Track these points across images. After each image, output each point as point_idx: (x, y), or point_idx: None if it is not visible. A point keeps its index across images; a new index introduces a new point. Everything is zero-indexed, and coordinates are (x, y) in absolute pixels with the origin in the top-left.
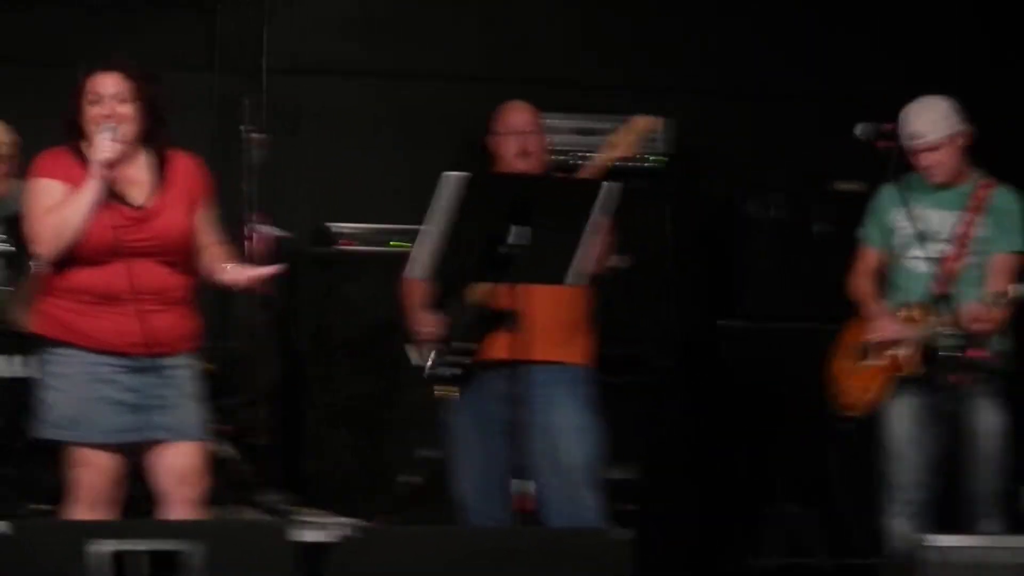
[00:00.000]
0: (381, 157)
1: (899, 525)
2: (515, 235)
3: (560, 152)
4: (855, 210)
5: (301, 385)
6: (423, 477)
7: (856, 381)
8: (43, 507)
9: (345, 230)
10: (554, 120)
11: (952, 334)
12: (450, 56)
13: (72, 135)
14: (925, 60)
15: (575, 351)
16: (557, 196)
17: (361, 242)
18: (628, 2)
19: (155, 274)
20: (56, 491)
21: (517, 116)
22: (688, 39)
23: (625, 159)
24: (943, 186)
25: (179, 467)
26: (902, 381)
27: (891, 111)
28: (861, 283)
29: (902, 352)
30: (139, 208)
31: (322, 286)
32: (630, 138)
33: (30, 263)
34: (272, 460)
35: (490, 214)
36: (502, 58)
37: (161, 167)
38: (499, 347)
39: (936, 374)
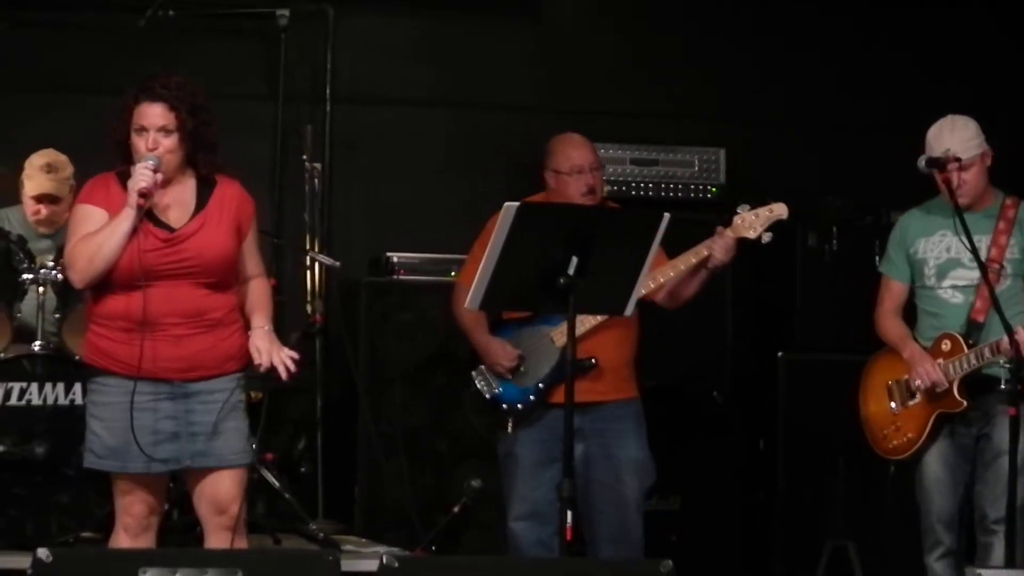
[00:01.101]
0: (440, 186)
1: (938, 567)
2: (574, 266)
3: (615, 183)
4: None
5: (355, 414)
6: (472, 506)
7: (893, 426)
8: (93, 535)
9: (402, 259)
10: (608, 151)
11: (1007, 362)
12: (507, 86)
13: (119, 158)
14: (979, 89)
15: (634, 386)
16: (616, 227)
17: (418, 272)
18: (680, 32)
19: (191, 296)
20: (108, 518)
21: (581, 154)
22: (744, 68)
23: (747, 240)
24: (968, 209)
25: (214, 495)
26: (941, 420)
27: None
28: (891, 322)
29: (949, 392)
30: (173, 231)
31: (378, 315)
32: (761, 220)
33: (82, 291)
34: (322, 488)
35: (549, 244)
36: (558, 88)
37: (204, 191)
38: (575, 391)
39: (981, 405)
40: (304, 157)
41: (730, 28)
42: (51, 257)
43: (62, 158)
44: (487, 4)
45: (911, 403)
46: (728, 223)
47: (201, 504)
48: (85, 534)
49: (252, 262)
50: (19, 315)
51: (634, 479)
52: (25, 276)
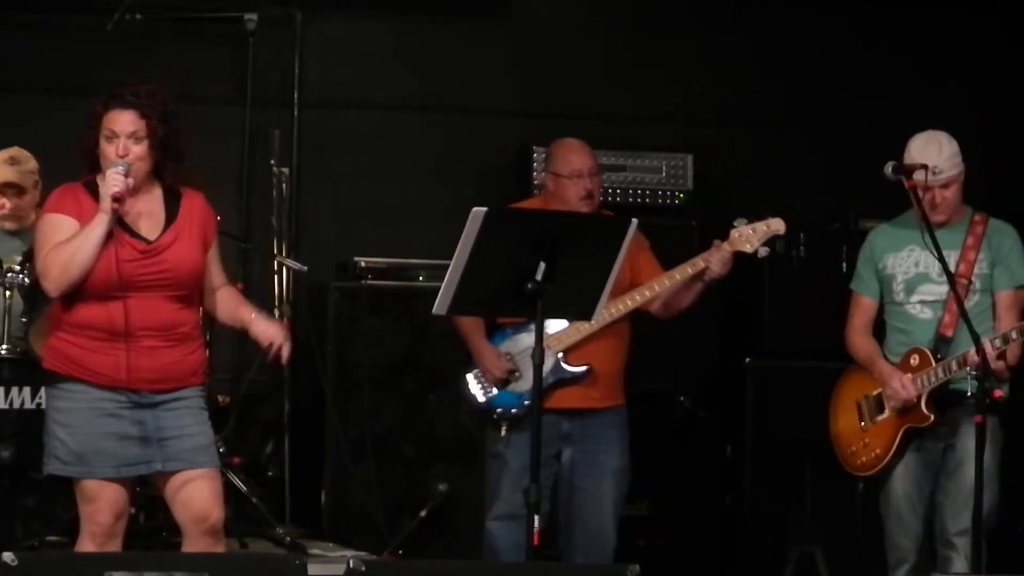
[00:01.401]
0: (409, 191)
1: None
2: (542, 272)
3: None
4: None
5: (323, 418)
6: (440, 510)
7: (863, 441)
8: (59, 539)
9: (371, 264)
10: None
11: (975, 375)
12: (477, 90)
13: (87, 166)
14: (944, 93)
15: (623, 394)
16: (584, 233)
17: (386, 276)
18: (649, 37)
19: (163, 310)
20: (74, 522)
21: (581, 159)
22: (711, 72)
23: (744, 254)
24: (938, 225)
25: (192, 503)
26: (909, 434)
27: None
28: (861, 340)
29: (918, 406)
30: (149, 242)
31: (347, 319)
32: (758, 235)
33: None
34: (288, 492)
35: (517, 250)
36: (530, 93)
37: (172, 203)
38: (567, 396)
39: (949, 419)
40: (272, 162)
41: (699, 33)
42: (18, 260)
43: (25, 153)
44: (457, 7)
45: (879, 418)
46: (725, 236)
47: (181, 512)
48: (51, 538)
49: (218, 273)
50: None
51: (615, 488)
52: None
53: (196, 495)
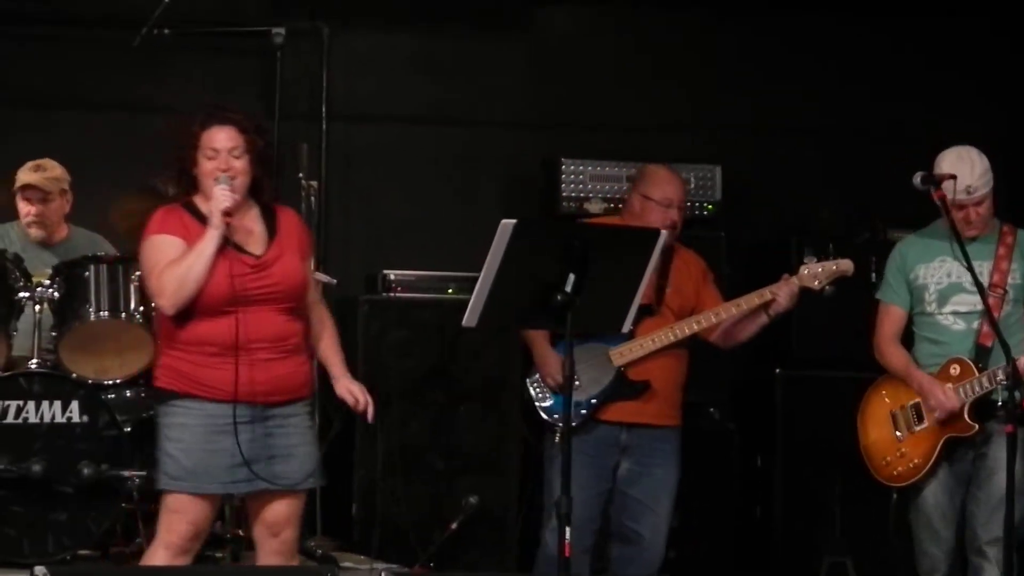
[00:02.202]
0: (436, 203)
1: None
2: (571, 283)
3: (611, 200)
4: None
5: (353, 431)
6: (470, 523)
7: (899, 452)
8: (91, 552)
9: (399, 277)
10: (604, 168)
11: (1006, 385)
12: (502, 103)
13: (183, 187)
14: (968, 102)
15: (680, 414)
16: (613, 244)
17: (415, 289)
18: (676, 49)
19: (274, 322)
20: (105, 536)
21: (675, 190)
22: (740, 85)
23: (810, 291)
24: (970, 237)
25: (274, 517)
26: (949, 444)
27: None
28: (893, 349)
29: (960, 417)
30: (257, 257)
31: (376, 332)
32: (824, 274)
33: (79, 309)
34: (319, 505)
35: (546, 261)
36: (553, 105)
37: (270, 219)
38: (623, 410)
39: (990, 429)
40: (300, 175)
41: (723, 44)
42: (48, 275)
43: (52, 162)
44: (480, 22)
45: (918, 429)
46: (794, 271)
47: (259, 527)
48: (82, 552)
49: (312, 287)
50: (15, 333)
51: (669, 503)
52: (21, 294)
53: (278, 511)
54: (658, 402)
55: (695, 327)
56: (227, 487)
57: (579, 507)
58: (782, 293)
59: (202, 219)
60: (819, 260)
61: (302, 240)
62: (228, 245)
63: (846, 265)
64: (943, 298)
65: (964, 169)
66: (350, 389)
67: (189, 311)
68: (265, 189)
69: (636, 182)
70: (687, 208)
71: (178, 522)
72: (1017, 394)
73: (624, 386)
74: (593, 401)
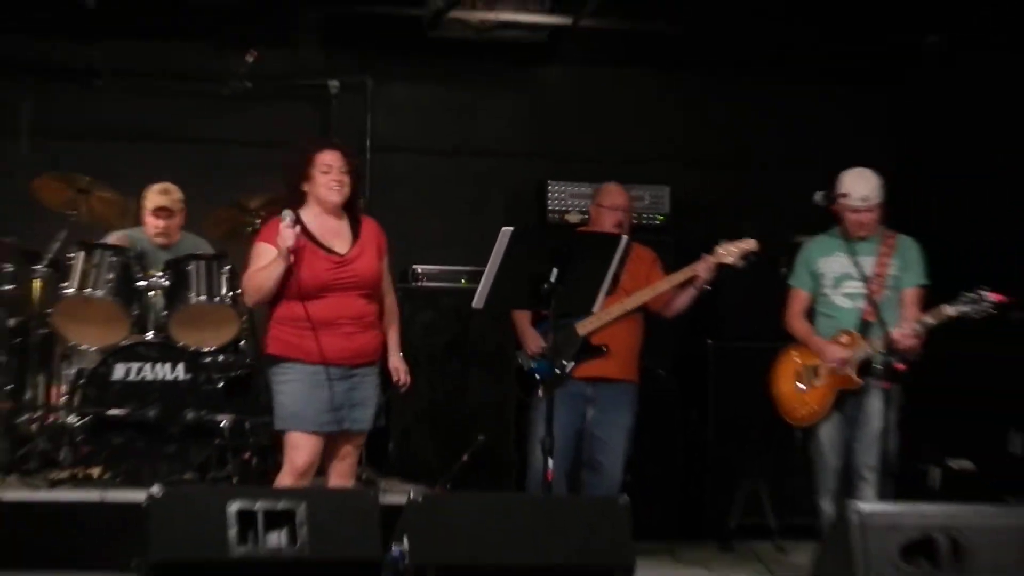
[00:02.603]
0: (453, 214)
1: (824, 505)
2: (555, 276)
3: (585, 213)
4: None
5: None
6: (477, 457)
7: (802, 399)
8: (192, 476)
9: (425, 270)
10: (581, 188)
11: (886, 352)
12: (505, 139)
13: (294, 200)
14: (859, 142)
15: (636, 371)
16: (587, 246)
17: (437, 279)
18: (636, 100)
19: (355, 305)
20: (203, 465)
21: (615, 197)
22: (684, 126)
23: (725, 265)
24: (860, 238)
25: (344, 449)
26: (841, 395)
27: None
28: (799, 323)
29: (848, 371)
30: (341, 256)
31: (407, 314)
32: (734, 252)
33: (183, 295)
34: (365, 443)
35: (536, 259)
36: (544, 141)
37: (356, 226)
38: (589, 368)
39: (869, 384)
40: None
41: (675, 99)
42: (161, 269)
43: (173, 186)
44: (489, 78)
45: (816, 383)
46: (711, 252)
47: (331, 454)
48: (186, 476)
49: (387, 281)
50: (136, 313)
51: (625, 441)
52: (140, 283)
53: (350, 444)
54: (616, 361)
55: (636, 301)
56: (322, 427)
57: (557, 443)
58: (701, 268)
59: (303, 227)
60: (730, 241)
61: (380, 243)
62: (319, 248)
63: (751, 243)
64: (836, 283)
65: (861, 183)
66: (396, 366)
67: (291, 296)
68: (355, 203)
69: (593, 197)
70: (647, 218)
71: (292, 454)
72: (891, 357)
73: (587, 350)
74: (565, 363)
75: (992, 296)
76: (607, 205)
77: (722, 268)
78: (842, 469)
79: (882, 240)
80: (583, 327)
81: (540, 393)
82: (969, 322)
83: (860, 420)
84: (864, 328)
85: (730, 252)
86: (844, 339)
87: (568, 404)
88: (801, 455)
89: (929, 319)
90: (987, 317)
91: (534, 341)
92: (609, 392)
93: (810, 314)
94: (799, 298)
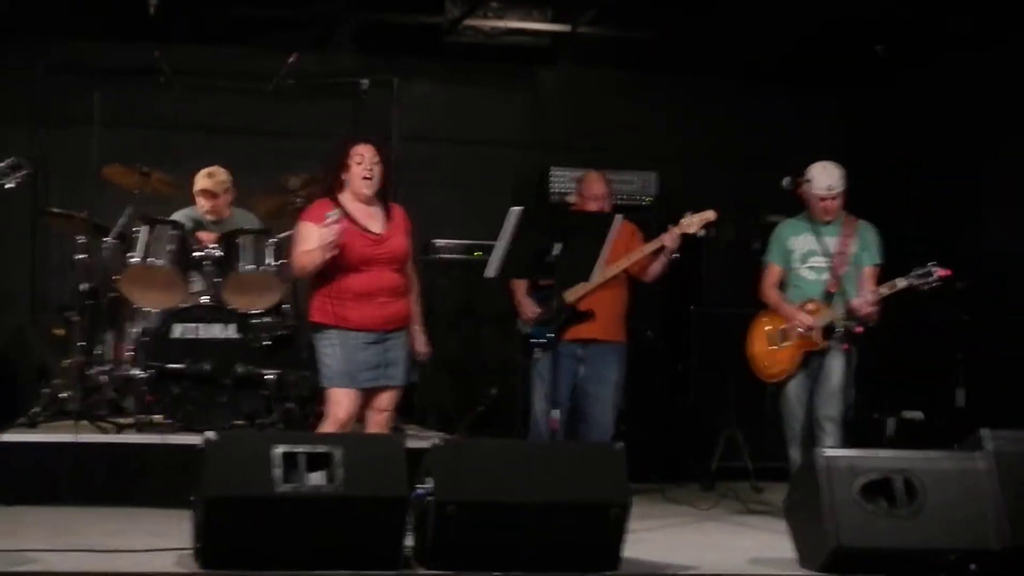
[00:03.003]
0: (466, 195)
1: (793, 452)
2: (558, 249)
3: None
4: None
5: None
6: (491, 406)
7: (773, 359)
8: (242, 423)
9: (442, 244)
10: (578, 173)
11: (847, 318)
12: (512, 130)
13: (334, 186)
14: (821, 138)
15: (622, 332)
16: (585, 223)
17: (452, 252)
18: (626, 97)
19: (388, 278)
20: (252, 413)
21: (594, 186)
22: (669, 118)
23: (688, 236)
24: (826, 222)
25: (382, 402)
26: (807, 355)
27: (800, 167)
28: (771, 292)
29: (813, 335)
30: (378, 235)
31: (427, 281)
32: (696, 222)
33: (234, 264)
34: None
35: (541, 234)
36: (545, 132)
37: (387, 211)
38: (578, 331)
39: (832, 346)
40: None
41: (663, 97)
42: (214, 242)
43: (219, 169)
44: (498, 78)
45: (785, 344)
46: (676, 223)
47: (369, 408)
48: (237, 422)
49: (411, 258)
50: (192, 280)
51: (614, 394)
52: (195, 254)
53: (386, 398)
54: (602, 323)
55: (615, 270)
56: (360, 383)
57: (555, 394)
58: (667, 239)
59: (340, 205)
60: (692, 213)
61: (407, 225)
62: (360, 230)
63: (710, 214)
64: (804, 259)
65: (826, 175)
66: (417, 339)
67: (335, 269)
68: (385, 190)
69: (576, 186)
70: (636, 200)
71: (335, 407)
72: (851, 323)
73: (574, 315)
74: (556, 328)
75: (939, 271)
76: (587, 195)
77: (687, 237)
78: (807, 420)
79: (844, 223)
80: (571, 294)
81: (536, 355)
82: (921, 292)
83: (821, 377)
84: (828, 298)
85: (692, 223)
86: (810, 307)
87: (562, 363)
88: (772, 408)
89: (884, 290)
90: (934, 288)
91: (530, 308)
92: (597, 352)
93: (781, 286)
94: (772, 271)
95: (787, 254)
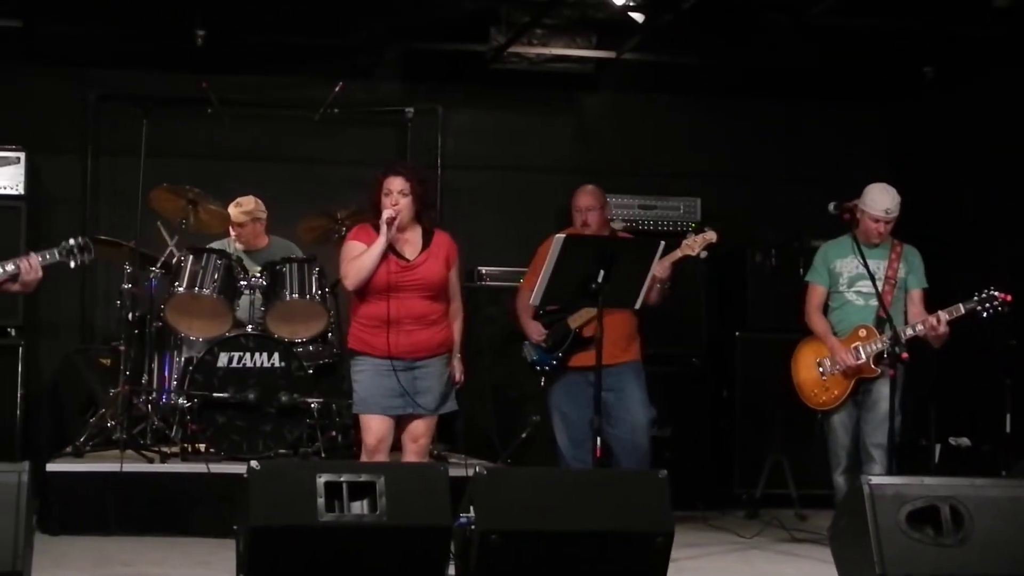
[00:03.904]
0: (510, 222)
1: (838, 478)
2: (601, 276)
3: (629, 221)
4: None
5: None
6: (534, 434)
7: (823, 386)
8: (286, 452)
9: (488, 271)
10: (623, 199)
11: (895, 344)
12: (555, 157)
13: (372, 213)
14: (864, 161)
15: (634, 352)
16: (629, 250)
17: (497, 279)
18: (672, 122)
19: (417, 305)
20: (296, 441)
21: (580, 199)
22: (713, 145)
23: (690, 257)
24: (873, 244)
25: (414, 431)
26: (859, 382)
27: (846, 192)
28: (817, 318)
29: (863, 365)
30: (408, 262)
31: (473, 308)
32: (698, 243)
33: (279, 293)
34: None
35: (585, 262)
36: (588, 159)
37: (427, 237)
38: (584, 359)
39: (883, 371)
40: None
41: (706, 124)
42: (259, 271)
43: (248, 199)
44: (541, 105)
45: (836, 371)
46: (679, 245)
47: (404, 436)
48: (281, 451)
49: (454, 287)
50: (237, 308)
51: (640, 414)
52: (241, 283)
53: (417, 426)
54: (608, 349)
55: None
56: (387, 411)
57: (575, 429)
58: (658, 269)
59: (378, 230)
60: (695, 234)
61: (450, 254)
62: (392, 252)
63: (711, 235)
64: (851, 282)
65: (886, 198)
66: (454, 365)
67: (364, 296)
68: (424, 217)
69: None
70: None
71: (364, 434)
72: (897, 348)
73: (577, 342)
74: (560, 355)
75: (1001, 295)
76: (574, 207)
77: (686, 259)
78: (853, 447)
79: (891, 247)
80: (574, 321)
81: (543, 382)
82: (976, 328)
83: (868, 403)
84: (879, 324)
85: (694, 244)
86: (863, 332)
87: (574, 393)
88: (819, 434)
89: (945, 315)
90: (994, 313)
91: (537, 331)
92: (612, 374)
93: (825, 307)
94: (816, 292)
95: (833, 276)
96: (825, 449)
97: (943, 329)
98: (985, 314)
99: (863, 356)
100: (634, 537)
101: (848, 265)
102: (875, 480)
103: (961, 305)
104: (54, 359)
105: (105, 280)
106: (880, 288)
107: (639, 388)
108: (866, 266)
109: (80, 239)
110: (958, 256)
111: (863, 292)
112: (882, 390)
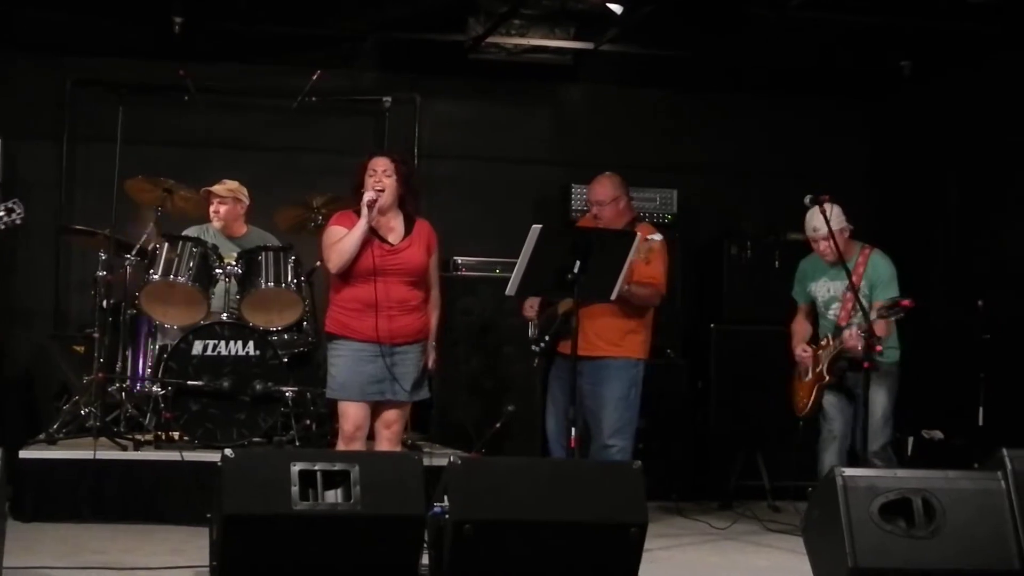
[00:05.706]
0: (487, 213)
1: (828, 458)
2: (577, 267)
3: None
4: (801, 252)
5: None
6: (508, 424)
7: (797, 393)
8: (260, 440)
9: (464, 261)
10: None
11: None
12: (532, 147)
13: (354, 198)
14: (842, 154)
15: (628, 348)
16: (605, 242)
17: (473, 269)
18: (649, 116)
19: (401, 290)
20: (271, 430)
21: (589, 192)
22: (689, 138)
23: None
24: (831, 263)
25: (387, 417)
26: (822, 388)
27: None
28: (798, 326)
29: (817, 370)
30: (392, 246)
31: (449, 298)
32: (643, 250)
33: (254, 281)
34: (410, 412)
35: (561, 253)
36: (566, 150)
37: (409, 224)
38: (568, 347)
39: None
40: None
41: (683, 115)
42: (234, 258)
43: (232, 182)
44: (520, 96)
45: (806, 379)
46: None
47: (378, 422)
48: (255, 439)
49: (433, 276)
50: (212, 296)
51: (612, 410)
52: (217, 271)
53: (393, 414)
54: (592, 341)
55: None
56: (365, 397)
57: (560, 415)
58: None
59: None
60: (643, 242)
61: (430, 242)
62: (376, 238)
63: (656, 243)
64: (826, 306)
65: (809, 216)
66: (429, 356)
67: (346, 279)
68: (408, 203)
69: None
70: (657, 217)
71: (342, 421)
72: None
73: (563, 325)
74: (547, 338)
75: (903, 302)
76: (589, 200)
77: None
78: (844, 429)
79: (859, 252)
80: (562, 306)
81: (535, 363)
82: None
83: (864, 412)
84: (837, 332)
85: (638, 250)
86: (823, 342)
87: (560, 378)
88: (802, 432)
89: (862, 326)
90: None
91: (529, 303)
92: (592, 367)
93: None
94: (801, 309)
95: (811, 298)
96: (802, 443)
97: (851, 342)
98: (895, 318)
99: (821, 363)
100: (608, 528)
101: (820, 289)
102: (848, 472)
103: (872, 314)
104: (28, 346)
105: (81, 268)
106: (843, 294)
107: (619, 386)
108: (836, 285)
109: (9, 202)
110: (936, 253)
111: (836, 312)
112: (877, 397)
